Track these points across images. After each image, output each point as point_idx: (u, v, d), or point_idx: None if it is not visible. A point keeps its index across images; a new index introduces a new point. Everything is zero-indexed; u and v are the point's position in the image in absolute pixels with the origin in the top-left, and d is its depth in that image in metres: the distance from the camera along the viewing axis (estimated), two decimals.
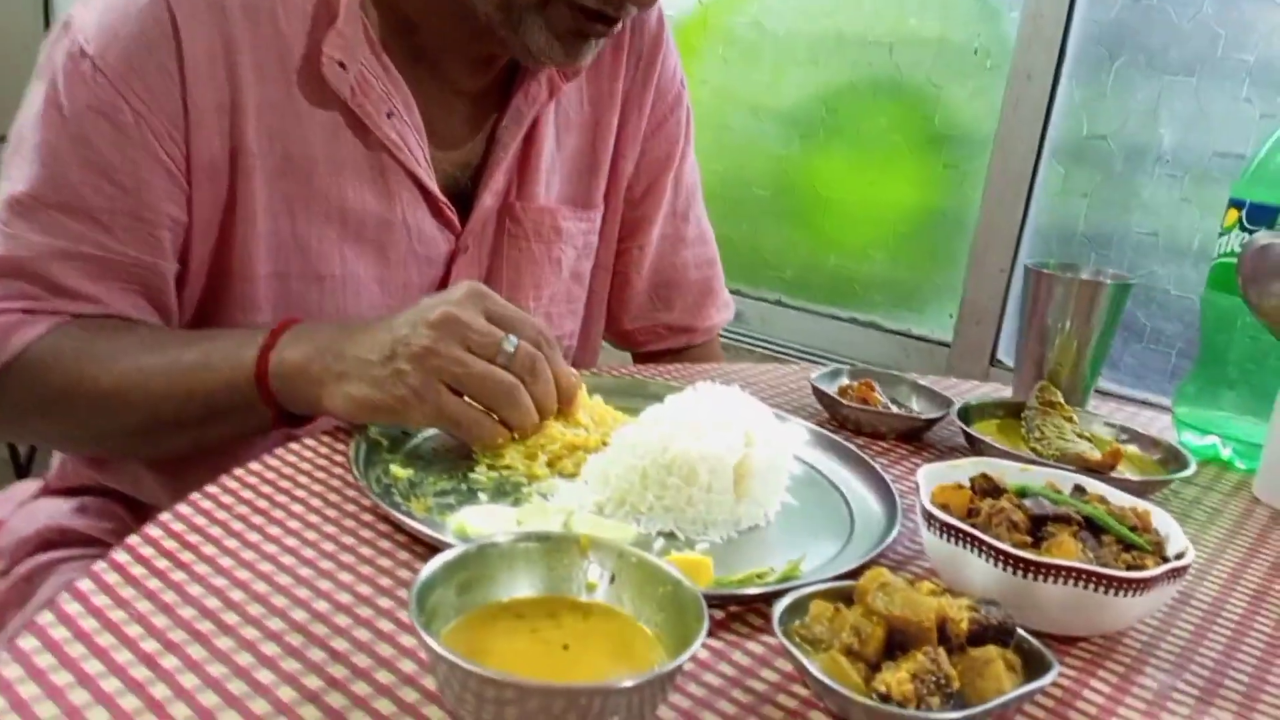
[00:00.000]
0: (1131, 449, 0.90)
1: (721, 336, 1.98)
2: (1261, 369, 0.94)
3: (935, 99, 1.73)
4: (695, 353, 1.16)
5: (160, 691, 0.45)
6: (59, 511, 0.90)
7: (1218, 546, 0.77)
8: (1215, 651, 0.60)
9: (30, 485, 0.97)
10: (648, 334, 1.13)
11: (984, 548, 0.56)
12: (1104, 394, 1.03)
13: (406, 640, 0.51)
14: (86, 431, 0.79)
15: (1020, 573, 0.55)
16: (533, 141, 0.93)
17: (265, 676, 0.47)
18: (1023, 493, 0.64)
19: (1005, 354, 1.62)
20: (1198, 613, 0.64)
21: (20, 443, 0.84)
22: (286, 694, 0.45)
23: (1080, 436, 0.90)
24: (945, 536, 0.59)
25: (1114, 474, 0.81)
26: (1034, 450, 0.88)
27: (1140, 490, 0.80)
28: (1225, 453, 0.97)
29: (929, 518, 0.60)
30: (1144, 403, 1.36)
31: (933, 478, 0.65)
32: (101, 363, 0.75)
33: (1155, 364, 1.52)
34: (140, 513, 0.89)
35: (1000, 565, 0.56)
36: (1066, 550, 0.56)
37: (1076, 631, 0.58)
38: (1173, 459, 0.87)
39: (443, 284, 0.91)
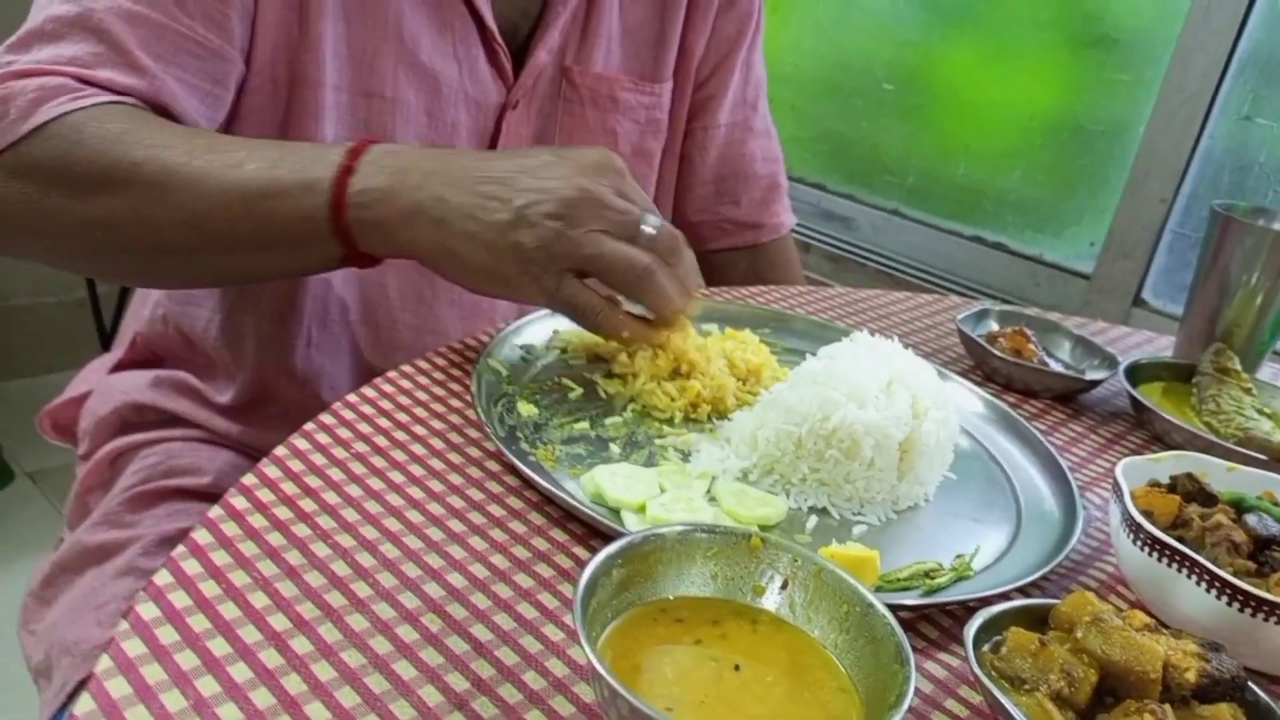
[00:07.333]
0: None
1: (828, 245, 1.85)
2: None
3: None
4: (766, 254, 1.08)
5: (294, 686, 0.40)
6: (134, 387, 0.88)
7: None
8: None
9: (108, 359, 0.94)
10: (712, 229, 1.05)
11: (1204, 574, 0.49)
12: None
13: (552, 632, 0.46)
14: (115, 229, 0.68)
15: (1248, 610, 0.48)
16: (595, 5, 0.89)
17: (405, 671, 0.42)
18: (1239, 504, 0.56)
19: (1152, 295, 1.48)
20: None
21: (34, 238, 0.76)
22: (431, 697, 0.41)
23: (1261, 413, 0.80)
24: (1153, 553, 0.51)
25: None
26: (1208, 425, 0.79)
27: None
28: None
29: (1135, 528, 0.52)
30: None
31: (1132, 474, 0.57)
32: (148, 149, 0.65)
33: None
34: (212, 380, 0.86)
35: (1224, 598, 0.48)
36: None
37: None
38: None
39: (493, 139, 0.86)
